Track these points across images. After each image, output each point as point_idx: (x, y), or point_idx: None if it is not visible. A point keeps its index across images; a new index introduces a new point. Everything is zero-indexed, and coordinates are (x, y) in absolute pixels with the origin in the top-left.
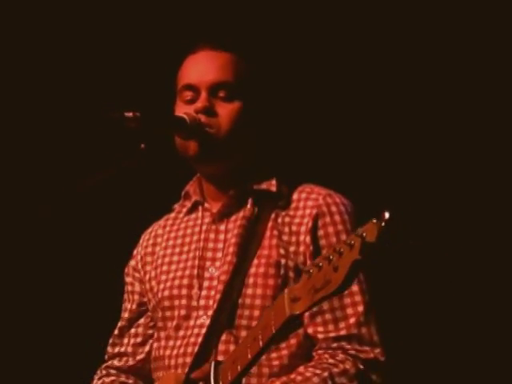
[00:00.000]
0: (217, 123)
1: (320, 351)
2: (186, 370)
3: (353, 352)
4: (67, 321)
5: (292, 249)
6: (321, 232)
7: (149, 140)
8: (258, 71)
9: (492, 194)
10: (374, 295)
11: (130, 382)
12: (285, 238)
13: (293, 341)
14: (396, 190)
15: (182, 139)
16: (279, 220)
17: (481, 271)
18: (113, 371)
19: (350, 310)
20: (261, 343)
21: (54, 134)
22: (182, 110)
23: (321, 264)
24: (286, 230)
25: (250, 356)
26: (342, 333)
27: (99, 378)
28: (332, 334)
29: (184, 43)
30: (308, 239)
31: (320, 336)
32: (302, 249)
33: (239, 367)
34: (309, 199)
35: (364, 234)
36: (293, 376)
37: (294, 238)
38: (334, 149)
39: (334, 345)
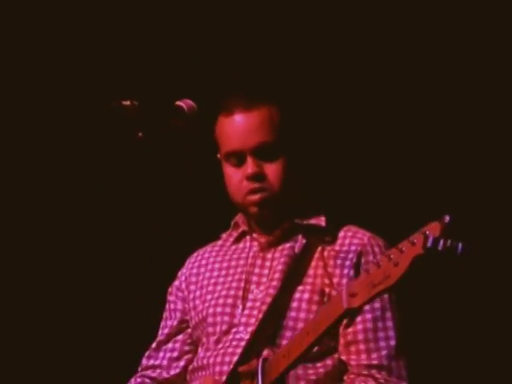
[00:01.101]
0: (269, 185)
1: (352, 376)
2: (223, 377)
3: (382, 381)
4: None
5: (336, 280)
6: (364, 268)
7: (147, 129)
8: (291, 118)
9: None
10: (406, 331)
11: None
12: (329, 269)
13: (329, 361)
14: None
15: (181, 127)
16: (325, 253)
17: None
18: (147, 380)
19: (382, 343)
20: (314, 335)
21: (51, 125)
22: (232, 173)
23: (381, 263)
24: (331, 262)
25: (302, 348)
26: (374, 362)
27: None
28: (364, 362)
29: (187, 35)
30: (352, 273)
31: (352, 363)
32: (344, 281)
33: (289, 360)
34: (355, 237)
35: (427, 232)
36: None
37: (338, 271)
38: (378, 190)
39: (365, 372)
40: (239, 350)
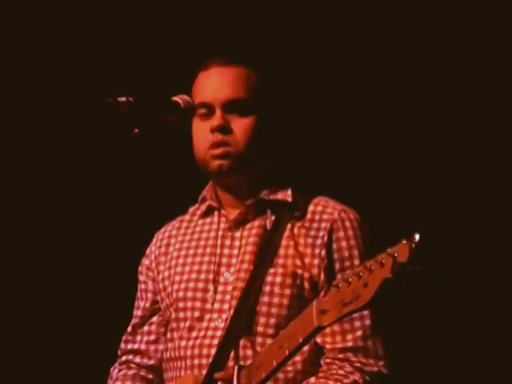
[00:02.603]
0: (234, 140)
1: (327, 360)
2: (203, 371)
3: (358, 364)
4: (75, 319)
5: (307, 260)
6: (334, 246)
7: (142, 125)
8: (269, 83)
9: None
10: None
11: (150, 376)
12: (300, 248)
13: (305, 348)
14: (407, 204)
15: (176, 123)
16: (295, 231)
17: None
18: (133, 365)
19: (357, 323)
20: (287, 352)
21: (46, 120)
22: (199, 126)
23: (350, 279)
24: (302, 241)
25: (275, 363)
26: (349, 344)
27: (120, 370)
28: (339, 345)
29: (182, 31)
30: (323, 253)
31: (327, 346)
32: (316, 261)
33: (264, 374)
34: (324, 213)
35: (395, 254)
36: None
37: (309, 250)
38: (347, 160)
39: (341, 356)
40: (216, 342)
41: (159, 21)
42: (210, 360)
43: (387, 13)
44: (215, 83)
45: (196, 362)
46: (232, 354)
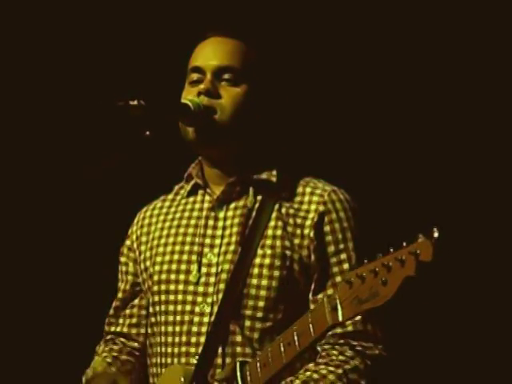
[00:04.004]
0: (219, 105)
1: (326, 346)
2: (191, 359)
3: (359, 348)
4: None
5: (296, 241)
6: (327, 228)
7: (154, 127)
8: (263, 60)
9: None
10: None
11: (137, 353)
12: (289, 229)
13: None
14: (395, 187)
15: (185, 125)
16: (283, 211)
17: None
18: (119, 342)
19: None
20: (298, 348)
21: (59, 123)
22: (188, 92)
23: (364, 275)
24: (291, 221)
25: (285, 360)
26: (349, 329)
27: (106, 346)
28: (339, 331)
29: (192, 33)
30: (312, 234)
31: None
32: (306, 242)
33: (273, 370)
34: (314, 194)
35: (418, 252)
36: (308, 373)
37: (298, 231)
38: (335, 142)
39: (341, 341)
40: (204, 329)
41: (174, 25)
42: (200, 349)
43: None
44: (210, 50)
45: (183, 349)
46: (221, 341)
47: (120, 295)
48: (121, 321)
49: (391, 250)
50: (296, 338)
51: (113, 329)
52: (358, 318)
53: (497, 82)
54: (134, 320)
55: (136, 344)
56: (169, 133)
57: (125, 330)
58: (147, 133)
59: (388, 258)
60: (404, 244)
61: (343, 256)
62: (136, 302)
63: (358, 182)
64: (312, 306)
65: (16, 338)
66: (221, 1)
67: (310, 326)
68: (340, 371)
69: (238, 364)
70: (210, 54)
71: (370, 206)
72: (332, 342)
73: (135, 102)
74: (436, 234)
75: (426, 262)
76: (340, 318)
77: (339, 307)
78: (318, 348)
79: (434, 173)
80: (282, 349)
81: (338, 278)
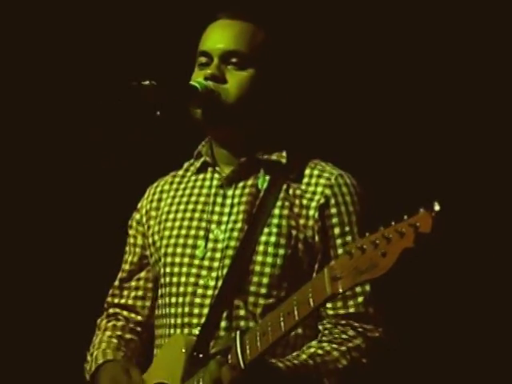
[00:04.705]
0: (225, 90)
1: (328, 325)
2: (193, 330)
3: (361, 329)
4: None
5: (302, 222)
6: (333, 210)
7: (164, 107)
8: (272, 42)
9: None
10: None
11: (139, 329)
12: (295, 210)
13: None
14: (401, 169)
15: (192, 107)
16: (290, 191)
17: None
18: (121, 317)
19: (358, 289)
20: (297, 317)
21: (74, 103)
22: (197, 74)
23: (365, 247)
24: (297, 202)
25: (283, 329)
26: (351, 310)
27: (108, 321)
28: (341, 311)
29: (203, 15)
30: (317, 215)
31: (329, 312)
32: (311, 223)
33: (271, 339)
34: (321, 177)
35: (418, 224)
36: (313, 350)
37: (304, 212)
38: (342, 125)
39: (343, 322)
40: (207, 301)
41: (185, 9)
42: (203, 320)
43: None
44: (218, 34)
45: (186, 320)
46: (224, 314)
47: (127, 267)
48: (125, 293)
49: (392, 223)
50: (295, 307)
51: (116, 300)
52: (361, 298)
53: (499, 63)
54: (140, 292)
55: (139, 317)
56: (178, 112)
57: (130, 302)
58: (158, 112)
59: (388, 230)
60: (405, 217)
61: (348, 238)
62: (142, 274)
63: (364, 166)
64: None
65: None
66: None
67: (310, 296)
68: (343, 348)
69: (238, 333)
70: (217, 37)
71: (375, 189)
72: (334, 321)
73: (147, 82)
74: (437, 207)
75: (425, 233)
76: (340, 289)
77: (339, 277)
78: (320, 327)
79: (437, 158)
80: (282, 318)
81: None
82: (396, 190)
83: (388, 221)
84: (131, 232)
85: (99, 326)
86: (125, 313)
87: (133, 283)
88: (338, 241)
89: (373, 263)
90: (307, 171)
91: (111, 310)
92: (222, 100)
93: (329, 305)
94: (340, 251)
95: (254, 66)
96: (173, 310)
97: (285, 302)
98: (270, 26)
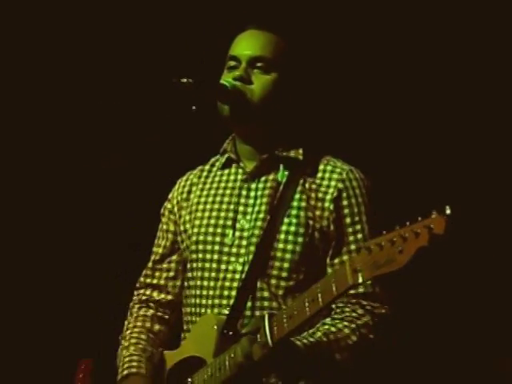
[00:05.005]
0: (251, 90)
1: (340, 304)
2: (223, 310)
3: (369, 307)
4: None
5: (318, 213)
6: (345, 202)
7: (199, 103)
8: (293, 51)
9: None
10: None
11: (167, 317)
12: (312, 202)
13: None
14: (407, 165)
15: (221, 102)
16: (307, 186)
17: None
18: (152, 304)
19: None
20: (321, 304)
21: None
22: (226, 76)
23: (383, 244)
24: (313, 195)
25: (308, 313)
26: (360, 290)
27: (140, 308)
28: (351, 291)
29: (233, 27)
30: (332, 207)
31: None
32: (326, 214)
33: (297, 321)
34: (334, 172)
35: (432, 226)
36: (326, 327)
37: (319, 204)
38: (352, 125)
39: (353, 300)
40: (235, 284)
41: (221, 21)
42: (231, 301)
43: None
44: (246, 41)
45: (216, 301)
46: (250, 296)
47: (160, 250)
48: (157, 274)
49: (407, 223)
50: (319, 295)
51: (149, 280)
52: (368, 281)
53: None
54: (172, 273)
55: (170, 296)
56: (209, 110)
57: (162, 282)
58: (194, 107)
59: (405, 229)
60: (419, 218)
61: (358, 227)
62: (174, 257)
63: (369, 162)
64: (329, 269)
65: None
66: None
67: (333, 285)
68: (353, 326)
69: (266, 316)
70: (245, 45)
71: (379, 184)
72: (345, 300)
73: (185, 80)
74: (448, 211)
75: (439, 235)
76: (360, 280)
77: (359, 270)
78: (333, 305)
79: (440, 156)
80: (307, 304)
81: (353, 246)
82: (404, 186)
83: (403, 221)
84: (164, 219)
85: (131, 311)
86: (155, 294)
87: (165, 265)
88: (349, 229)
89: (390, 258)
90: (321, 167)
91: (143, 297)
92: (247, 99)
93: None
94: (351, 238)
95: (276, 70)
96: (204, 292)
97: (308, 290)
98: (291, 37)
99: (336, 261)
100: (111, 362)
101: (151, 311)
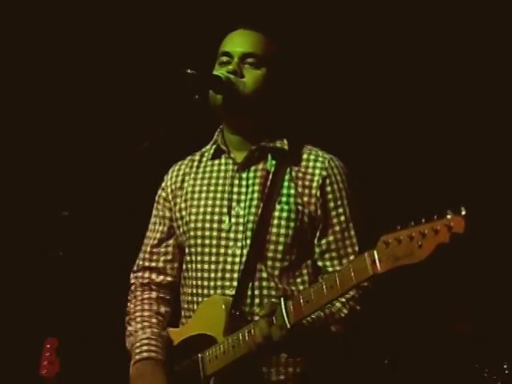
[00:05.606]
0: (242, 83)
1: None
2: (226, 291)
3: None
4: None
5: (305, 199)
6: (328, 189)
7: (201, 93)
8: (280, 50)
9: None
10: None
11: (168, 297)
12: (299, 189)
13: (304, 271)
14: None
15: (214, 93)
16: (293, 174)
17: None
18: (154, 287)
19: (349, 249)
20: (340, 291)
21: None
22: (218, 70)
23: (401, 238)
24: (300, 183)
25: (327, 299)
26: None
27: (143, 291)
28: (338, 268)
29: (223, 25)
30: (318, 193)
31: (329, 269)
32: (313, 200)
33: (316, 306)
34: (317, 161)
35: (451, 224)
36: None
37: (306, 191)
38: (331, 117)
39: (321, 279)
40: (236, 267)
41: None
42: (233, 283)
43: None
44: (238, 39)
45: (219, 283)
46: (251, 277)
47: (157, 235)
48: (155, 257)
49: (423, 220)
50: (338, 282)
51: (147, 264)
52: (352, 257)
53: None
54: (169, 256)
55: (169, 278)
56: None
57: (160, 265)
58: (196, 97)
59: (424, 226)
60: (435, 217)
61: (340, 210)
62: (171, 242)
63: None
64: (317, 249)
65: None
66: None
67: (352, 274)
68: (343, 299)
69: (282, 299)
70: (237, 42)
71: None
72: None
73: (189, 71)
74: (464, 212)
75: (458, 233)
76: (380, 270)
77: (377, 261)
78: (320, 280)
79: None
80: (325, 290)
81: (337, 227)
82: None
83: (418, 218)
84: (159, 206)
85: (135, 295)
86: (154, 276)
87: (162, 249)
88: (333, 213)
89: (409, 252)
90: (305, 156)
91: (142, 275)
92: (239, 91)
93: (327, 262)
94: (335, 221)
95: (265, 66)
96: (205, 275)
97: (326, 277)
98: (278, 37)
99: (323, 241)
100: (76, 341)
101: (154, 293)
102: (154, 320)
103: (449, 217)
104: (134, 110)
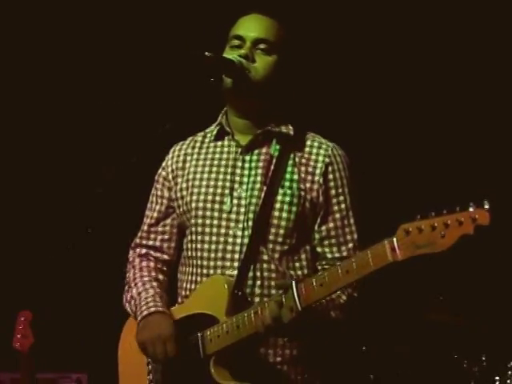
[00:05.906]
0: (254, 68)
1: (326, 266)
2: (227, 271)
3: None
4: None
5: (308, 185)
6: (330, 176)
7: (216, 76)
8: (291, 38)
9: None
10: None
11: (165, 269)
12: (302, 175)
13: (303, 256)
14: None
15: (226, 76)
16: (297, 160)
17: None
18: (152, 258)
19: (348, 237)
20: (357, 276)
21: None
22: (228, 54)
23: (423, 227)
24: (303, 169)
25: (341, 283)
26: (344, 254)
27: (141, 260)
28: (336, 255)
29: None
30: (321, 180)
31: (327, 255)
32: (315, 186)
33: (331, 289)
34: (321, 148)
35: (476, 216)
36: None
37: (309, 177)
38: (335, 104)
39: (338, 263)
40: (237, 248)
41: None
42: (234, 263)
43: None
44: (251, 23)
45: (219, 263)
46: (252, 258)
47: (155, 214)
48: (152, 236)
49: (444, 211)
50: (355, 267)
51: (144, 242)
52: (351, 245)
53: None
54: (167, 236)
55: (166, 256)
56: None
57: (157, 243)
58: (212, 80)
59: (447, 217)
60: (457, 208)
61: (341, 198)
62: (168, 221)
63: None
64: (316, 236)
65: None
66: None
67: (370, 260)
68: None
69: (293, 281)
70: (250, 26)
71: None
72: (332, 263)
73: (207, 53)
74: (487, 206)
75: (483, 225)
76: (400, 257)
77: (397, 249)
78: (319, 267)
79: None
80: (341, 275)
81: (337, 215)
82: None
83: (440, 209)
84: (158, 186)
85: (133, 264)
86: (151, 252)
87: (160, 228)
88: (334, 200)
89: (431, 241)
90: (308, 142)
91: (139, 250)
92: (251, 76)
93: (327, 249)
94: (335, 208)
95: (276, 53)
96: (205, 254)
97: (342, 262)
98: (290, 25)
99: (323, 228)
100: (49, 313)
101: (152, 263)
102: (154, 283)
103: (471, 209)
104: (148, 97)
